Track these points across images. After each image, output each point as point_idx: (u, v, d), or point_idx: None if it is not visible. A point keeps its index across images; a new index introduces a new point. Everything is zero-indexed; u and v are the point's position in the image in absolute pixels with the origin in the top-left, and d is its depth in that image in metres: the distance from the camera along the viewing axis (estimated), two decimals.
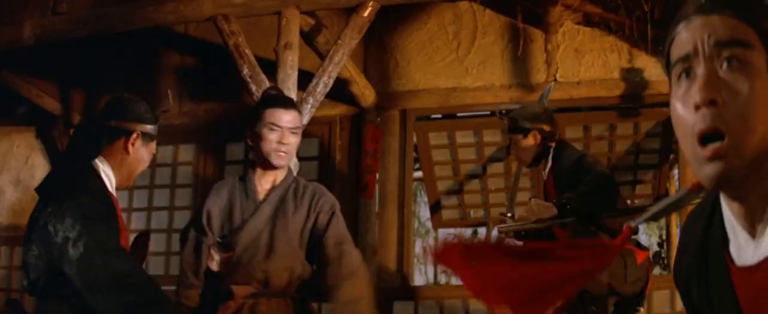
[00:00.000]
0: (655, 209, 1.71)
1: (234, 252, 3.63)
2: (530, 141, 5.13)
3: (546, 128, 5.17)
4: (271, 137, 3.76)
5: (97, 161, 3.42)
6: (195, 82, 8.54)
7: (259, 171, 3.89)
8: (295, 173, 4.09)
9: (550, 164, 5.15)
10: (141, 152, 3.51)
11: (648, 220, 1.80)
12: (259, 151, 3.84)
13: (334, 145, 7.97)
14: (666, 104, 5.79)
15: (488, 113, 8.11)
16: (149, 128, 3.55)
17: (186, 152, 8.56)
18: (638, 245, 5.30)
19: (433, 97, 7.80)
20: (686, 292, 1.66)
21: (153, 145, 3.62)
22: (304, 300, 3.80)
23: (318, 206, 3.83)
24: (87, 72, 8.85)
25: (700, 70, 1.44)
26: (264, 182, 3.88)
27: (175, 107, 8.46)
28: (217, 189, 3.98)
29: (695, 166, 1.46)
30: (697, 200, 1.68)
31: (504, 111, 5.39)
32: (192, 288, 3.85)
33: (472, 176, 8.85)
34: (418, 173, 9.42)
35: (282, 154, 3.78)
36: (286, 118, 3.79)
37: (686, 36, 1.48)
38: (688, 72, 1.46)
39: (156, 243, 8.33)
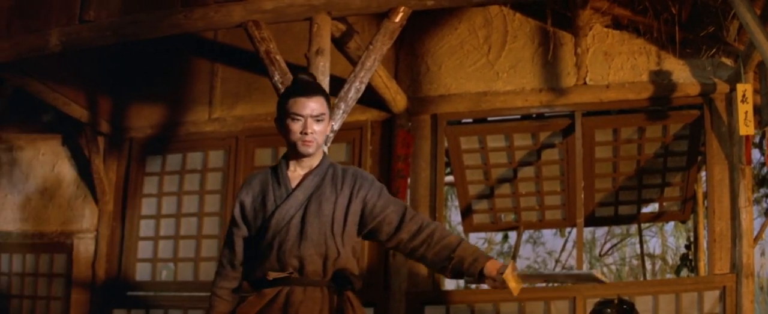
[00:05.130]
0: None
1: None
2: None
3: None
4: (294, 128, 3.89)
5: None
6: (224, 88, 9.04)
7: (291, 159, 4.04)
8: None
9: None
10: None
11: None
12: (287, 141, 3.98)
13: (365, 150, 8.40)
14: (693, 106, 6.58)
15: (519, 116, 8.54)
16: None
17: (215, 159, 9.03)
18: None
19: (464, 101, 8.26)
20: None
21: None
22: (342, 291, 3.91)
23: (362, 189, 3.98)
24: (114, 79, 9.36)
25: None
26: (298, 169, 4.02)
27: (204, 113, 9.06)
28: (249, 180, 4.13)
29: None
30: None
31: None
32: (227, 279, 4.07)
33: (503, 180, 9.11)
34: (450, 178, 9.71)
35: (307, 142, 3.89)
36: (309, 106, 3.88)
37: None
38: None
39: (185, 250, 8.93)
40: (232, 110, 9.02)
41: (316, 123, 3.91)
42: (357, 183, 3.99)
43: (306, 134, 3.89)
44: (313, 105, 3.90)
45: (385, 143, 8.46)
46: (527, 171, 9.05)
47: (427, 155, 8.35)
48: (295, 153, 4.00)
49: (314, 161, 4.03)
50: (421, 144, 8.34)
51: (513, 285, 3.73)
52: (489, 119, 8.62)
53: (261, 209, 3.98)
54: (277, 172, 4.07)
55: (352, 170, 4.08)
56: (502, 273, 3.73)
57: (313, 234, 3.86)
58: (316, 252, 3.85)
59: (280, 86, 6.29)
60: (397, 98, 8.17)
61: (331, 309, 3.86)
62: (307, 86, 3.99)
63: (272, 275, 3.85)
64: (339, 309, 3.88)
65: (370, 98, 7.77)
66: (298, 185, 3.98)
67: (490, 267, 3.80)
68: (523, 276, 3.81)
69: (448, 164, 9.27)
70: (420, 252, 3.96)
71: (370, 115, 8.46)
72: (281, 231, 3.88)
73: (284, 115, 3.93)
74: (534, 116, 8.59)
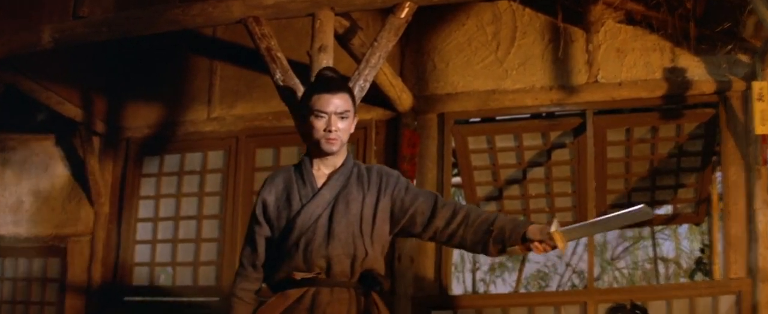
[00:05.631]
0: None
1: None
2: None
3: None
4: (317, 125, 3.90)
5: None
6: (224, 86, 8.97)
7: (314, 157, 4.03)
8: None
9: None
10: None
11: None
12: (310, 138, 3.97)
13: (369, 150, 8.30)
14: (708, 105, 6.48)
15: (528, 115, 8.43)
16: None
17: (215, 159, 8.95)
18: None
19: (472, 100, 8.17)
20: None
21: None
22: (369, 292, 3.90)
23: (389, 187, 3.97)
24: (110, 77, 9.28)
25: None
26: (322, 168, 4.01)
27: (203, 112, 8.97)
28: (271, 178, 4.10)
29: None
30: None
31: None
32: (249, 280, 4.03)
33: (511, 182, 9.05)
34: (457, 179, 9.67)
35: (331, 139, 3.90)
36: (333, 103, 3.89)
37: None
38: None
39: (183, 253, 8.84)
40: (231, 109, 8.95)
41: (341, 120, 3.93)
42: (383, 181, 4.00)
43: (330, 131, 3.90)
44: (338, 102, 3.91)
45: (390, 142, 8.37)
46: (537, 172, 8.99)
47: (434, 155, 8.26)
48: (318, 151, 3.99)
49: (338, 160, 4.03)
50: (427, 144, 8.26)
51: (560, 243, 3.79)
52: (497, 118, 8.53)
53: (285, 208, 3.97)
54: (301, 170, 4.04)
55: (377, 168, 4.09)
56: (548, 232, 3.78)
57: (341, 234, 3.86)
58: (344, 252, 3.85)
59: (281, 84, 6.20)
60: (402, 97, 8.08)
61: (358, 311, 3.86)
62: (331, 82, 4.01)
63: (299, 275, 3.84)
64: (366, 311, 3.88)
65: (375, 96, 7.69)
66: (325, 184, 3.97)
67: (533, 230, 3.82)
68: (569, 232, 3.87)
69: (455, 165, 9.16)
70: (459, 234, 3.95)
71: (375, 114, 8.38)
72: (308, 231, 3.86)
73: (307, 112, 3.94)
74: (544, 115, 8.49)
